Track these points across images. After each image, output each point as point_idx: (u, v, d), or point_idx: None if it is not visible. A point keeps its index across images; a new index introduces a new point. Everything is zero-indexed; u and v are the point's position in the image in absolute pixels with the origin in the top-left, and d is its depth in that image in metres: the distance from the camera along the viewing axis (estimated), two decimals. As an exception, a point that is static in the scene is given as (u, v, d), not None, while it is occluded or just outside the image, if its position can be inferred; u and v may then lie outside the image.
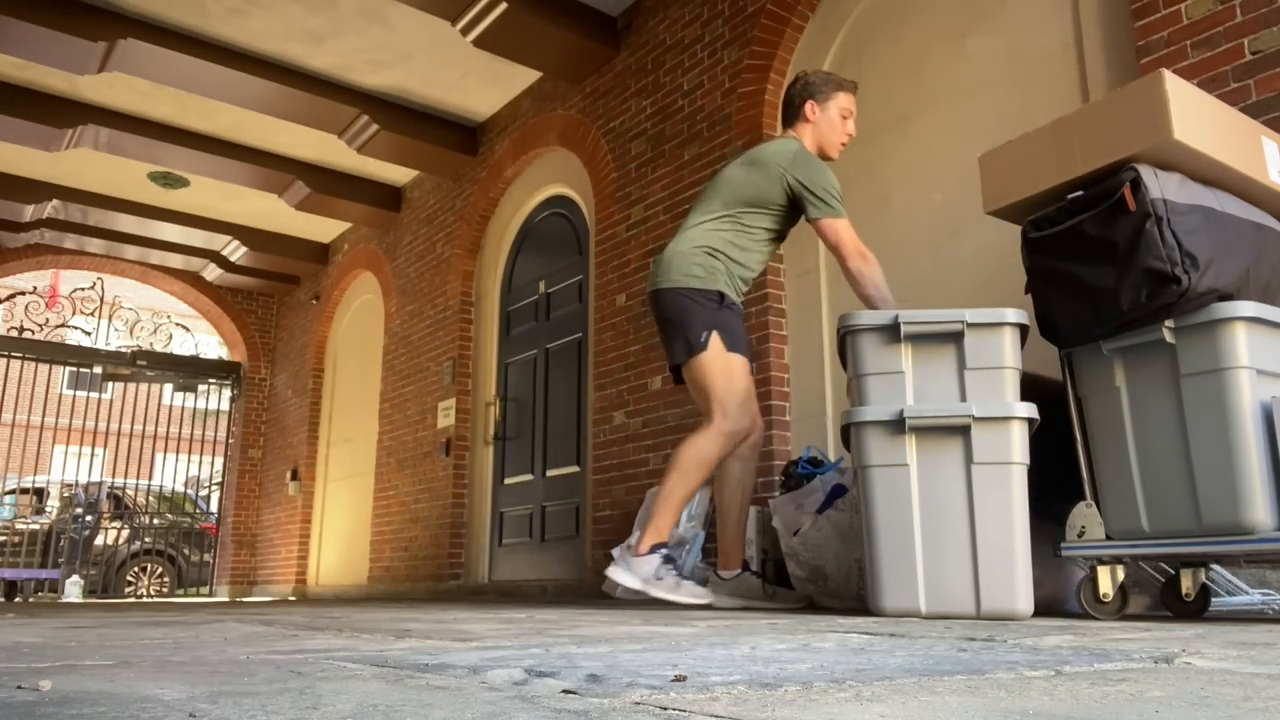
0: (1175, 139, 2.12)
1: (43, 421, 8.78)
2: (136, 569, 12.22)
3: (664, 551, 3.02)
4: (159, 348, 9.86)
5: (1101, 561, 2.22)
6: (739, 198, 3.16)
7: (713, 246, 3.13)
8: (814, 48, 4.58)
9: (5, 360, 8.91)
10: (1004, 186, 2.46)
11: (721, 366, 3.07)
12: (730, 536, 3.22)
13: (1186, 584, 2.32)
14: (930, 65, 4.00)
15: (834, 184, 3.08)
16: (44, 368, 9.21)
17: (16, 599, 9.09)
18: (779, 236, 3.25)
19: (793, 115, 3.29)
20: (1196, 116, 2.18)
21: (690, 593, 3.01)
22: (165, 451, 9.88)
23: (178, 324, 10.07)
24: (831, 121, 3.24)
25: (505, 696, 0.87)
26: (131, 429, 9.45)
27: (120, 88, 6.47)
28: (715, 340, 3.06)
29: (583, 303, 5.91)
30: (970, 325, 2.38)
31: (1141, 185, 2.12)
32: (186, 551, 10.25)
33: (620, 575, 2.99)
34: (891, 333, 2.44)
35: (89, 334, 9.33)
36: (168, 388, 10.14)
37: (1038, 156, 2.38)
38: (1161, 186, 2.13)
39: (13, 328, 9.19)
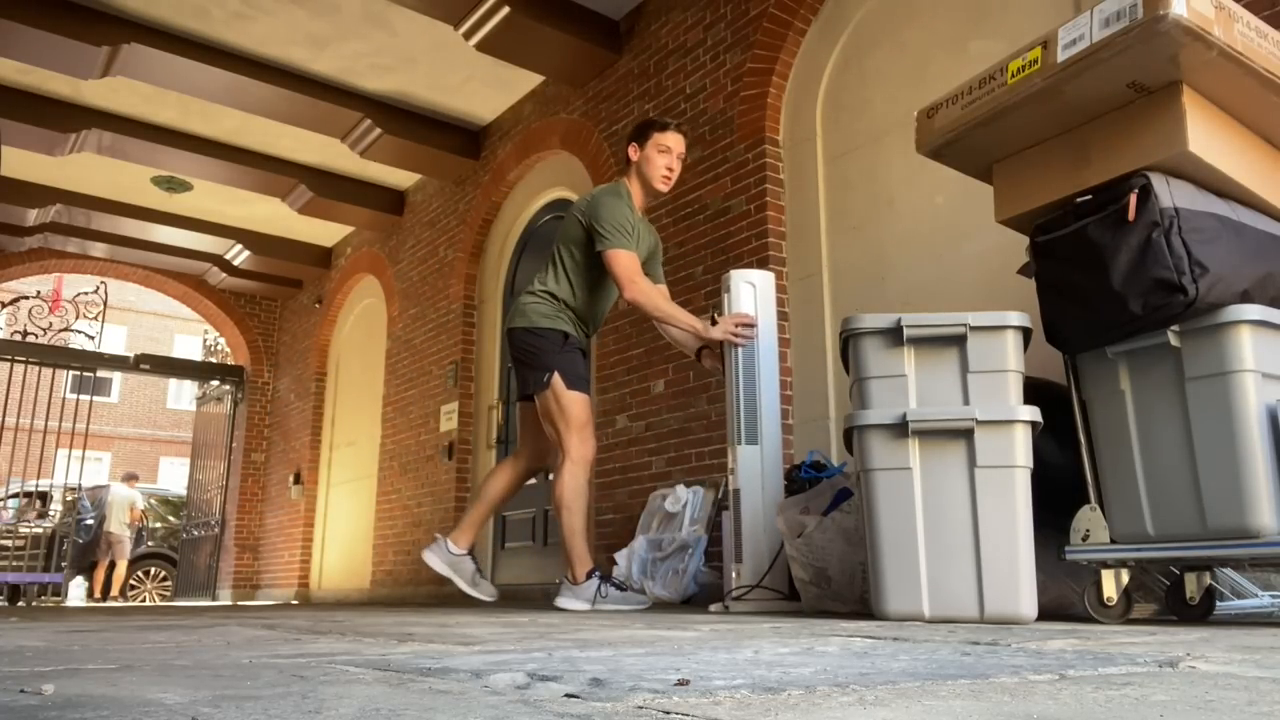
0: (1190, 151, 2.11)
1: (45, 425, 8.78)
2: (140, 573, 12.25)
3: (597, 574, 3.52)
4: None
5: (1106, 565, 2.22)
6: (565, 240, 3.65)
7: (551, 291, 3.61)
8: (816, 51, 4.58)
9: (8, 364, 8.92)
10: (1016, 195, 2.44)
11: (566, 402, 3.51)
12: (474, 520, 3.75)
13: (1191, 587, 2.31)
14: (933, 69, 3.99)
15: (620, 219, 3.48)
16: (47, 372, 9.21)
17: (19, 603, 9.10)
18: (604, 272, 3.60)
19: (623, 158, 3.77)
20: (1212, 129, 2.17)
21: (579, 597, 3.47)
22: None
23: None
24: (649, 159, 3.63)
25: (508, 700, 0.87)
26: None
27: (124, 92, 6.48)
28: (556, 379, 3.51)
29: (585, 306, 5.91)
30: (973, 328, 2.38)
31: (1151, 193, 2.10)
32: (194, 558, 10.25)
33: (570, 603, 3.48)
34: (894, 336, 2.43)
35: (92, 338, 9.35)
36: (170, 392, 10.16)
37: (1051, 166, 2.36)
38: (1173, 194, 2.11)
39: (16, 331, 9.21)
